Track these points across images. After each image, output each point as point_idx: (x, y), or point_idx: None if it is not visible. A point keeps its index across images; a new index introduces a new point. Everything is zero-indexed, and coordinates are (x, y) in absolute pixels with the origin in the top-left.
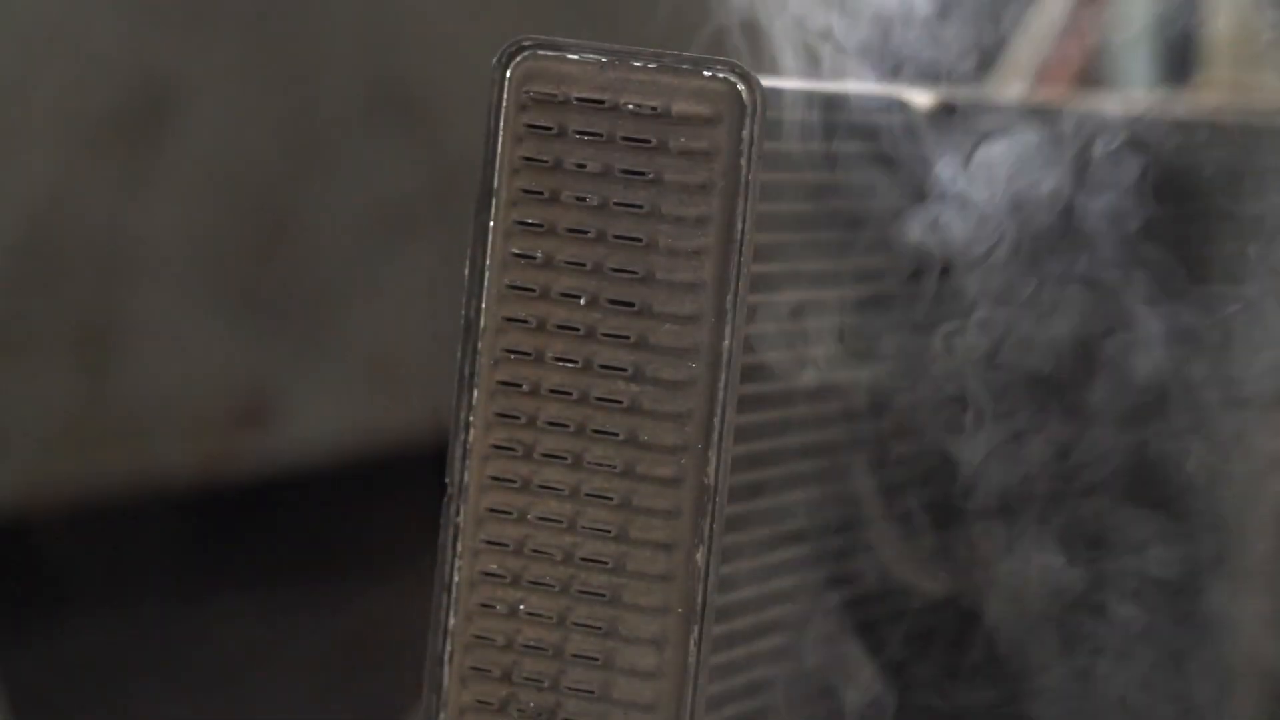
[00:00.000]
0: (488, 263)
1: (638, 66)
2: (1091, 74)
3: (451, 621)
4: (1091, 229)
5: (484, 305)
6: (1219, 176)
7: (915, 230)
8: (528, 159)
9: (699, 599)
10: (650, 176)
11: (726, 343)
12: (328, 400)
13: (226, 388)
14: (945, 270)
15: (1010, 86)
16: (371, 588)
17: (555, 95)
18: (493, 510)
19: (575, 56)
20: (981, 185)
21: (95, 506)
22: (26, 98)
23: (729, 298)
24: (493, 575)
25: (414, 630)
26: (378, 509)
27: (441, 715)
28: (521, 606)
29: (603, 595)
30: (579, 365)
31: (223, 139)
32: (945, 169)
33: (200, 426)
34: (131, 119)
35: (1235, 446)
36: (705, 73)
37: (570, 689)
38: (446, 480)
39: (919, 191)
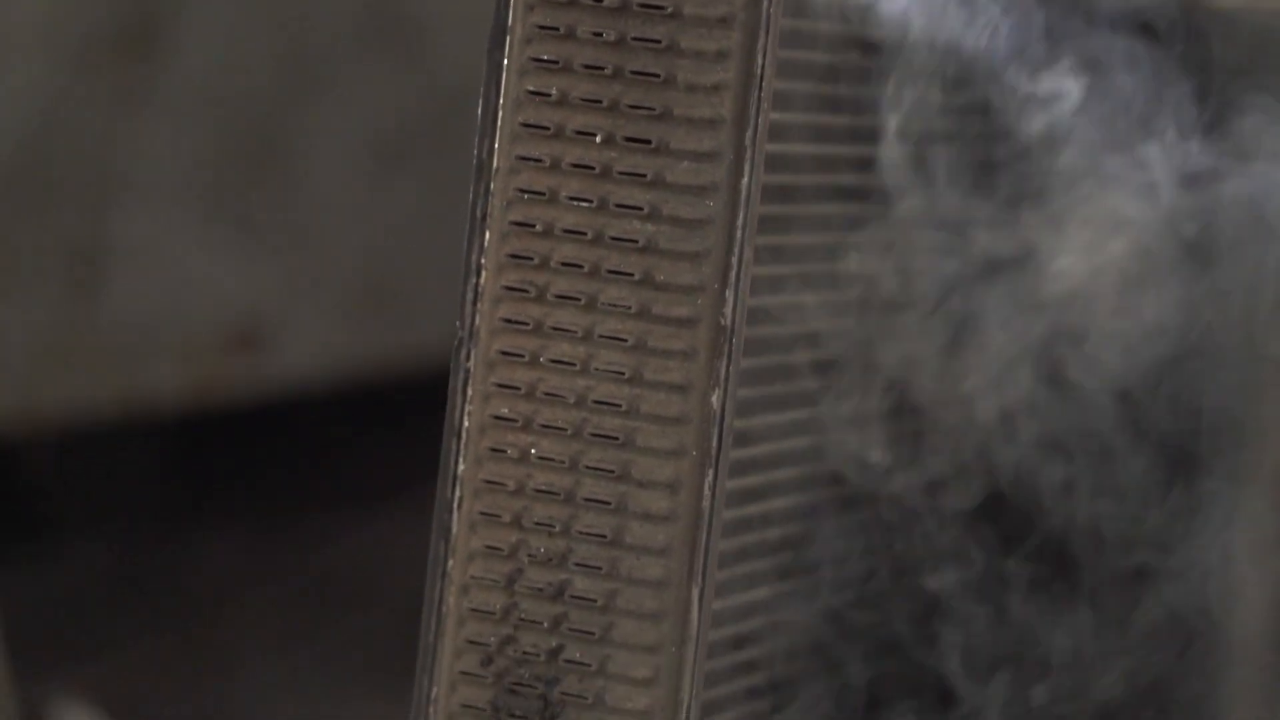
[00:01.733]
0: (501, 101)
1: None
2: None
3: (461, 467)
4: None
5: (497, 145)
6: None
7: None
8: None
9: (714, 442)
10: (669, 10)
11: (745, 180)
12: (320, 326)
13: (218, 312)
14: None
15: None
16: (363, 519)
17: None
18: (504, 354)
19: None
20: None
21: (83, 431)
22: (15, 16)
23: (748, 134)
24: (503, 419)
25: (405, 563)
26: (369, 438)
27: (450, 561)
28: (533, 451)
29: (615, 439)
30: (594, 204)
31: (216, 59)
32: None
33: (191, 351)
34: (123, 38)
35: None
36: None
37: (582, 533)
38: (457, 324)
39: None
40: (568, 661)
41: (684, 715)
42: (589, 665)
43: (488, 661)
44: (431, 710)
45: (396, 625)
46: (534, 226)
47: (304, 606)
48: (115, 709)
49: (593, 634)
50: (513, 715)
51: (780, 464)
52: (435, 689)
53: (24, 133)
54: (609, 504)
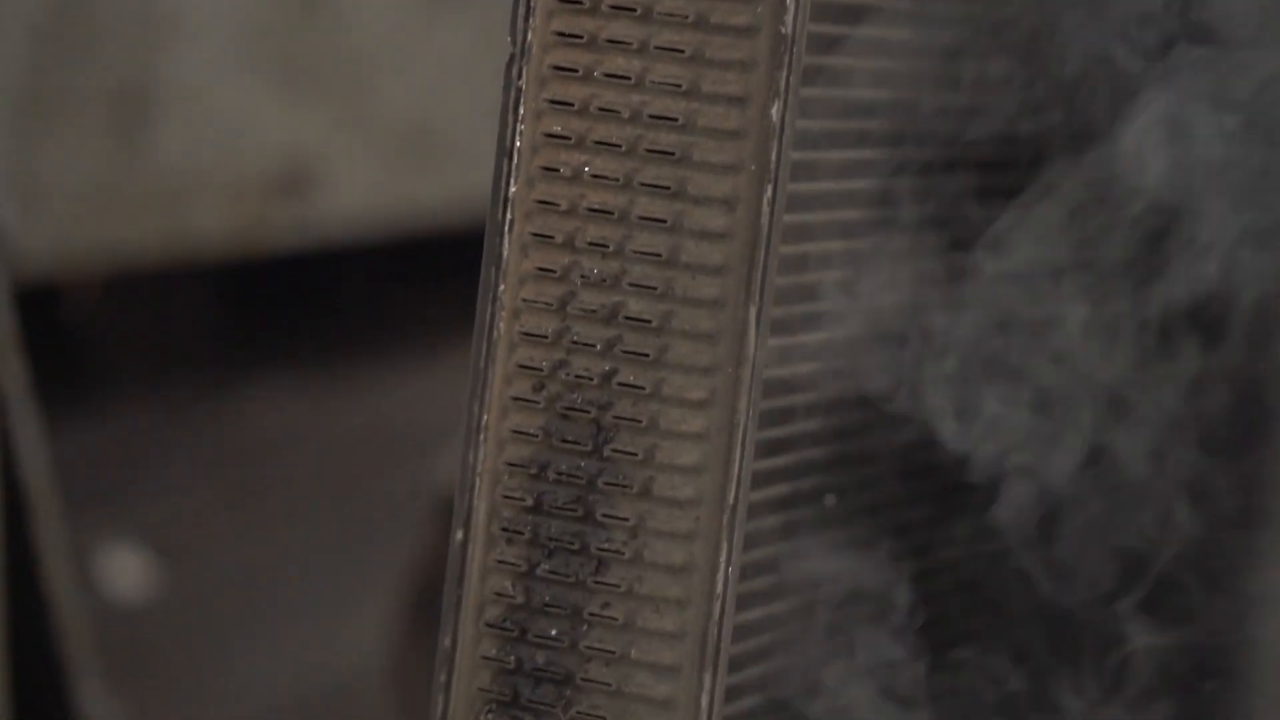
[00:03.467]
0: None
1: None
2: None
3: (512, 189)
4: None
5: None
6: None
7: None
8: None
9: (773, 156)
10: None
11: None
12: (367, 171)
13: (264, 156)
14: None
15: None
16: (410, 371)
17: None
18: (556, 69)
19: None
20: None
21: (129, 275)
22: None
23: None
24: (556, 137)
25: (445, 419)
26: (418, 291)
27: (501, 286)
28: (586, 169)
29: (671, 154)
30: None
31: None
32: None
33: (237, 195)
34: None
35: None
36: None
37: (636, 253)
38: (508, 39)
39: None
40: (621, 385)
41: (740, 437)
42: (643, 388)
43: (539, 387)
44: (481, 438)
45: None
46: None
47: (350, 459)
48: (163, 551)
49: (647, 356)
50: (565, 440)
51: (840, 205)
52: (485, 416)
53: None
54: (664, 222)
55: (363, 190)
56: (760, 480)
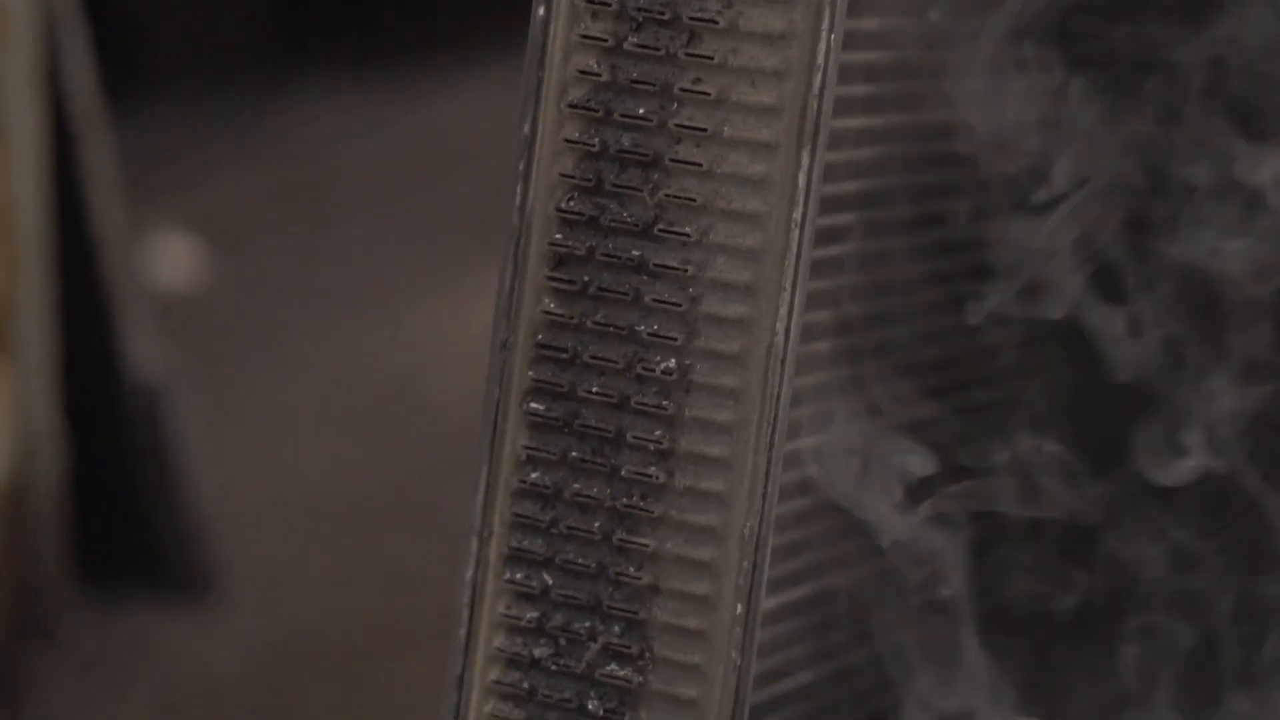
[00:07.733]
0: None
1: None
2: None
3: None
4: None
5: None
6: None
7: None
8: None
9: None
10: None
11: None
12: None
13: None
14: None
15: None
16: (466, 78)
17: None
18: None
19: None
20: None
21: None
22: None
23: None
24: None
25: (496, 133)
26: None
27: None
28: None
29: None
30: None
31: None
32: None
33: None
34: None
35: None
36: None
37: None
38: None
39: None
40: None
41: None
42: None
43: None
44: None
45: (493, 192)
46: None
47: (402, 165)
48: (214, 239)
49: None
50: None
51: None
52: None
53: None
54: None
55: None
56: None
